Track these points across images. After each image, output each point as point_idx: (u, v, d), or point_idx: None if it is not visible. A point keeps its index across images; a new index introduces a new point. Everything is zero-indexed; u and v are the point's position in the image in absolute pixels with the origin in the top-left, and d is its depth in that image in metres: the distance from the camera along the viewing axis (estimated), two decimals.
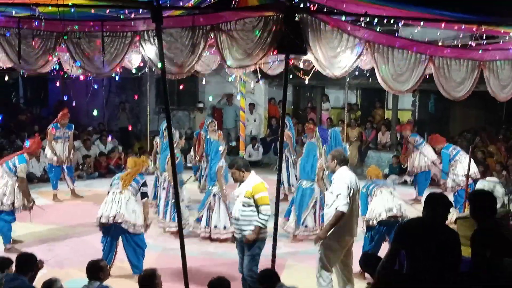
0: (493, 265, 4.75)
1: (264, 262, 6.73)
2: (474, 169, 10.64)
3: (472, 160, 10.79)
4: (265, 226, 6.63)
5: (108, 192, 7.77)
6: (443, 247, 5.03)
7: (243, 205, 6.63)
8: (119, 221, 7.43)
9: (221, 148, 9.75)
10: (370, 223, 7.85)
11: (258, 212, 6.58)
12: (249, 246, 6.66)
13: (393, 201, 7.81)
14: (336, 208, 6.60)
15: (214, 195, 9.32)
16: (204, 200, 9.53)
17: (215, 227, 9.30)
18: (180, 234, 6.08)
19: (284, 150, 11.51)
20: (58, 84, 11.63)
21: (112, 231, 7.60)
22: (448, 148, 10.98)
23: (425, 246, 4.98)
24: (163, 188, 9.78)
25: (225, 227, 9.25)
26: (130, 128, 16.84)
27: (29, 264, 5.90)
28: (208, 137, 10.46)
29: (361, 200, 7.98)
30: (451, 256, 5.06)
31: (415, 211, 9.65)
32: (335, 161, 6.95)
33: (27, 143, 9.15)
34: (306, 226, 9.39)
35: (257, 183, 6.69)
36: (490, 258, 4.72)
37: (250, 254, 6.67)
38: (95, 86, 13.51)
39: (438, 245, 5.01)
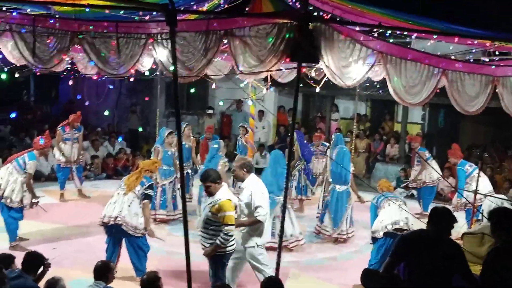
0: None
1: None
2: (488, 187, 10.47)
3: (486, 178, 10.72)
4: (224, 245, 6.42)
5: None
6: (449, 261, 5.01)
7: (208, 219, 6.49)
8: (119, 222, 7.45)
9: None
10: (376, 234, 7.82)
11: (220, 230, 6.38)
12: (212, 259, 6.57)
13: (400, 214, 7.78)
14: (256, 217, 6.77)
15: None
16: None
17: None
18: (185, 238, 6.05)
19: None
20: (70, 83, 11.66)
21: (113, 232, 7.60)
22: (464, 165, 10.67)
23: (429, 259, 4.96)
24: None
25: None
26: (140, 130, 16.91)
27: (35, 263, 5.91)
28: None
29: (370, 212, 7.99)
30: (459, 269, 5.05)
31: (422, 225, 9.58)
32: (244, 169, 6.93)
33: (41, 141, 9.20)
34: (341, 229, 9.85)
35: (224, 200, 6.40)
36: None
37: (213, 267, 6.59)
38: (111, 87, 13.56)
39: (443, 258, 5.00)
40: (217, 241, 6.38)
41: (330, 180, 9.98)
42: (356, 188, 10.26)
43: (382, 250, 7.73)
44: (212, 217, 6.44)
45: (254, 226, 6.88)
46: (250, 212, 6.84)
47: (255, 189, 6.87)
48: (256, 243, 6.93)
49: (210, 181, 6.50)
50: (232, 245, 6.57)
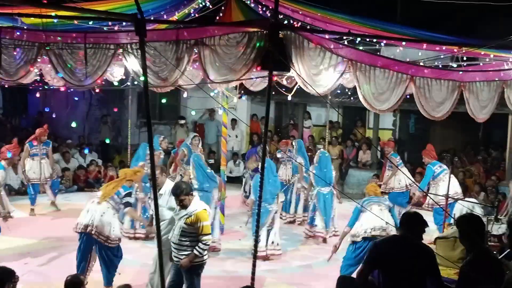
0: None
1: (243, 280, 6.66)
2: (457, 189, 10.67)
3: (456, 180, 10.88)
4: (201, 255, 6.50)
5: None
6: (422, 265, 5.05)
7: (183, 231, 6.48)
8: (90, 231, 7.34)
9: None
10: (355, 238, 7.85)
11: (198, 240, 6.43)
12: (187, 271, 6.55)
13: (381, 219, 7.80)
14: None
15: None
16: None
17: None
18: (159, 251, 5.98)
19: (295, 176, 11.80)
20: (38, 95, 11.48)
21: (84, 239, 7.48)
22: (434, 165, 10.91)
23: (402, 265, 4.98)
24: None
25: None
26: (107, 142, 16.72)
27: (5, 278, 5.76)
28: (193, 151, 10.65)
29: (352, 214, 8.08)
30: (432, 273, 5.08)
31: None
32: (163, 174, 6.98)
33: (8, 154, 9.01)
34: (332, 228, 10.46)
35: (200, 211, 6.49)
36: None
37: (188, 279, 6.57)
38: (76, 98, 13.39)
39: (416, 263, 5.03)
40: (195, 251, 6.40)
41: (314, 184, 10.43)
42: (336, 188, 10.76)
43: (359, 251, 7.76)
44: (187, 228, 6.43)
45: None
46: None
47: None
48: None
49: (184, 194, 6.50)
50: (206, 254, 6.59)
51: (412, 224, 5.16)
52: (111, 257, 7.52)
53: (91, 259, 7.60)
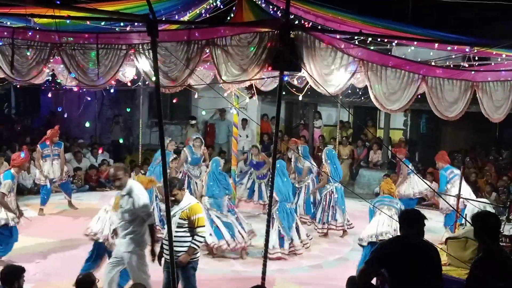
0: None
1: (253, 280, 6.67)
2: (470, 191, 10.60)
3: (466, 184, 10.82)
4: (199, 248, 6.57)
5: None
6: (431, 262, 5.07)
7: (178, 226, 6.50)
8: (100, 239, 7.43)
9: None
10: (362, 242, 7.84)
11: (193, 233, 6.49)
12: (183, 268, 6.55)
13: (390, 225, 7.75)
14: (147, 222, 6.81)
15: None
16: None
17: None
18: (170, 251, 6.01)
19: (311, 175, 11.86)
20: (50, 95, 11.56)
21: (96, 246, 7.60)
22: (446, 170, 10.89)
23: (408, 265, 4.97)
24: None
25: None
26: (121, 141, 16.79)
27: (16, 276, 5.84)
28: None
29: (369, 217, 8.09)
30: (437, 270, 5.11)
31: None
32: (127, 174, 6.93)
33: (22, 154, 9.10)
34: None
35: (194, 204, 6.60)
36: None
37: (185, 276, 6.58)
38: (88, 98, 13.47)
39: (426, 261, 5.03)
40: (192, 245, 6.46)
41: (331, 180, 10.65)
42: None
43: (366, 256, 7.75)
44: (183, 223, 6.52)
45: (139, 231, 6.81)
46: (134, 218, 6.75)
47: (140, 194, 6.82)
48: (136, 249, 6.83)
49: (177, 188, 6.58)
50: (199, 251, 6.69)
51: (412, 221, 5.14)
52: None
53: (99, 265, 7.65)
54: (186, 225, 6.52)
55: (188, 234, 6.52)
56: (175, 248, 6.40)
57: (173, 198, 6.48)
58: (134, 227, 6.73)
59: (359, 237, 7.98)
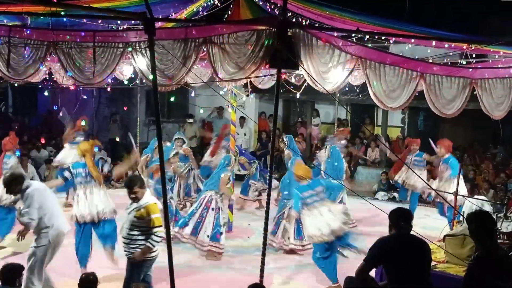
0: None
1: (252, 277, 6.68)
2: (464, 188, 10.57)
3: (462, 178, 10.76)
4: (152, 247, 6.47)
5: None
6: (426, 258, 5.25)
7: (132, 224, 6.48)
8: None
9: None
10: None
11: (150, 233, 6.41)
12: (137, 267, 6.53)
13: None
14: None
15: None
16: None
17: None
18: (168, 245, 6.02)
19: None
20: (47, 93, 11.52)
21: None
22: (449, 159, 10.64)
23: (406, 261, 5.06)
24: None
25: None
26: (117, 140, 16.78)
27: (14, 275, 5.85)
28: None
29: None
30: (430, 265, 5.33)
31: None
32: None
33: None
34: None
35: (150, 204, 6.49)
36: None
37: (137, 272, 6.54)
38: (85, 97, 13.47)
39: (422, 256, 5.17)
40: (148, 244, 6.40)
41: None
42: None
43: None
44: (137, 222, 6.45)
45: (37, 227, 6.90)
46: None
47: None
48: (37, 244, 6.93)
49: (138, 186, 6.54)
50: (157, 249, 6.60)
51: (407, 218, 5.29)
52: None
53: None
54: (140, 224, 6.44)
55: (143, 233, 6.43)
56: (129, 246, 6.47)
57: (133, 196, 6.50)
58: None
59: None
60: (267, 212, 6.68)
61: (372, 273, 5.94)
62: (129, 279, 6.52)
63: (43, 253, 6.87)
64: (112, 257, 8.12)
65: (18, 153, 9.92)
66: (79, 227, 7.97)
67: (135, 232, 6.46)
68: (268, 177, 6.84)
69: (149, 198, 6.57)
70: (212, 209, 9.08)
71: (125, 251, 6.55)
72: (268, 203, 6.71)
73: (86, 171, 7.96)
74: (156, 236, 6.41)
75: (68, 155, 11.57)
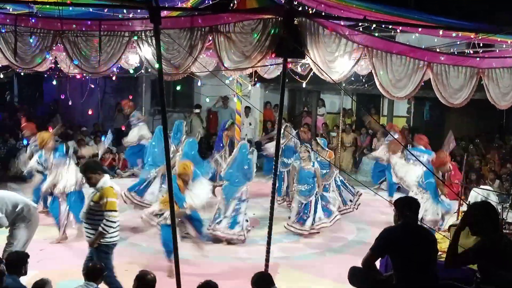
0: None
1: (257, 266, 6.69)
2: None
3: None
4: (107, 232, 6.44)
5: None
6: (432, 247, 5.25)
7: (90, 209, 6.52)
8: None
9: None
10: None
11: (103, 217, 6.42)
12: (96, 251, 6.53)
13: None
14: None
15: None
16: None
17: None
18: (173, 236, 6.04)
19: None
20: (54, 82, 11.53)
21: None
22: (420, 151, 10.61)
23: (416, 250, 5.06)
24: None
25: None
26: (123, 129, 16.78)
27: (20, 262, 5.88)
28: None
29: None
30: (436, 254, 5.32)
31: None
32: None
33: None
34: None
35: (106, 188, 6.51)
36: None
37: (97, 257, 6.53)
38: (92, 86, 13.48)
39: (428, 245, 5.17)
40: (100, 228, 6.39)
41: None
42: None
43: None
44: (94, 206, 6.49)
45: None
46: None
47: None
48: None
49: (90, 171, 6.60)
50: (117, 235, 6.60)
51: (414, 207, 5.28)
52: None
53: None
54: (98, 208, 6.47)
55: (98, 217, 6.46)
56: (88, 231, 6.53)
57: (88, 181, 6.64)
58: None
59: None
60: (272, 202, 6.69)
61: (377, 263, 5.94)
62: (89, 261, 6.56)
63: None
64: None
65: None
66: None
67: (93, 217, 6.50)
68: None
69: (105, 183, 6.57)
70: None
71: (86, 236, 6.61)
72: (273, 192, 6.71)
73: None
74: (108, 220, 6.38)
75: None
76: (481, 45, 9.49)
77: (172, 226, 6.11)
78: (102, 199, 6.41)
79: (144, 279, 5.49)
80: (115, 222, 6.45)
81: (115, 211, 6.44)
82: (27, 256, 6.01)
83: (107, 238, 6.47)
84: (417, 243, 5.08)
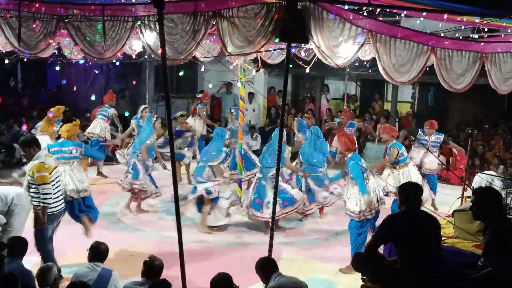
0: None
1: (261, 251, 6.72)
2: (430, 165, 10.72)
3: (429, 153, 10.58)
4: (48, 205, 6.84)
5: None
6: (435, 232, 5.23)
7: (30, 182, 6.89)
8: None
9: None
10: None
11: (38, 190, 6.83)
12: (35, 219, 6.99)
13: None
14: None
15: None
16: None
17: None
18: (177, 222, 6.05)
19: None
20: (58, 68, 11.54)
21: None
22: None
23: (420, 237, 5.06)
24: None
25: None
26: (127, 115, 16.77)
27: (22, 247, 5.92)
28: None
29: None
30: (440, 239, 5.35)
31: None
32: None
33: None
34: None
35: (36, 163, 6.83)
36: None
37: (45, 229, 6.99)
38: (96, 72, 13.49)
39: (432, 231, 5.15)
40: (42, 204, 6.81)
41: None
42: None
43: None
44: (31, 180, 6.86)
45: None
46: None
47: None
48: None
49: (24, 146, 6.99)
50: (58, 205, 7.06)
51: (418, 193, 5.27)
52: None
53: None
54: (33, 182, 6.84)
55: (35, 189, 6.86)
56: (33, 203, 6.92)
57: (24, 156, 7.13)
58: None
59: None
60: (276, 187, 6.69)
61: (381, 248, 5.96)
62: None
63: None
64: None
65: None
66: None
67: (32, 190, 6.89)
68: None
69: (39, 158, 6.90)
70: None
71: (34, 207, 6.96)
72: (277, 177, 6.71)
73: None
74: (44, 193, 6.79)
75: None
76: (486, 30, 9.42)
77: (176, 214, 6.11)
78: (34, 174, 6.78)
79: (152, 264, 5.58)
80: (50, 193, 6.85)
81: (47, 183, 6.80)
82: (25, 241, 6.05)
83: (50, 209, 6.91)
84: (421, 229, 5.06)
